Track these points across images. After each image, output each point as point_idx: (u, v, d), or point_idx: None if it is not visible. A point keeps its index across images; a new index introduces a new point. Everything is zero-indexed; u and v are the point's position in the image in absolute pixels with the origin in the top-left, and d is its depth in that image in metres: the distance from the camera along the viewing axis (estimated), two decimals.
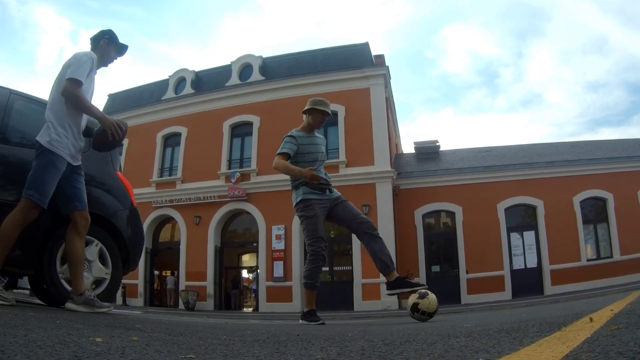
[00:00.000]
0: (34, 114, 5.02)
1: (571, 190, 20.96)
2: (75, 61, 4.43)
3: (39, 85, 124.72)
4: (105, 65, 4.86)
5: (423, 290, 5.36)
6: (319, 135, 6.12)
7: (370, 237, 5.85)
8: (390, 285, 5.76)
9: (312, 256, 5.75)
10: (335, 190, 5.96)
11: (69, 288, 4.55)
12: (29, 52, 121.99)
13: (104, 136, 4.51)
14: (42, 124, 4.49)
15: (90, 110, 4.43)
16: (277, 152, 5.78)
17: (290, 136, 5.86)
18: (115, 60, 4.93)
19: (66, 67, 4.43)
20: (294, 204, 5.85)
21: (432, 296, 5.32)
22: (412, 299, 5.23)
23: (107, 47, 4.79)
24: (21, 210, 4.07)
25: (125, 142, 25.18)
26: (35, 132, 4.45)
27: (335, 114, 21.69)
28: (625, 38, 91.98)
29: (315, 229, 5.70)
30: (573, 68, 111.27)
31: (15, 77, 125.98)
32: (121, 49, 4.91)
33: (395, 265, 5.80)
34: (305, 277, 5.78)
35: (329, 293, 18.37)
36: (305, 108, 6.01)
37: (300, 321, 5.64)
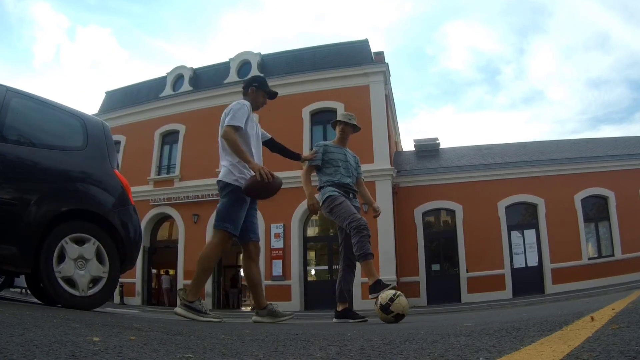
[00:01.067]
0: (30, 111, 5.02)
1: (572, 188, 20.98)
2: (232, 110, 5.06)
3: (36, 82, 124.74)
4: (257, 109, 5.48)
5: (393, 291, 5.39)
6: (350, 151, 6.58)
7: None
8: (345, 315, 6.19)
9: (355, 229, 5.75)
10: (357, 200, 6.36)
11: (66, 287, 4.56)
12: (25, 49, 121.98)
13: (254, 180, 4.94)
14: (39, 122, 4.49)
15: (242, 154, 4.95)
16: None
17: (317, 145, 6.45)
18: (264, 104, 5.58)
19: (225, 115, 5.10)
20: (321, 204, 6.10)
21: (403, 299, 5.35)
22: (385, 299, 5.24)
23: (255, 93, 5.42)
24: (220, 243, 4.99)
25: (123, 139, 25.43)
26: (32, 130, 4.45)
27: (334, 111, 21.68)
28: (628, 34, 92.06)
29: (348, 209, 5.87)
30: (575, 65, 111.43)
31: (12, 74, 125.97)
32: (271, 95, 5.56)
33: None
34: (357, 250, 5.74)
35: (328, 292, 18.33)
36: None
37: (371, 296, 5.68)
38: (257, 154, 5.34)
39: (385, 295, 5.28)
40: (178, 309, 5.07)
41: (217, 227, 4.98)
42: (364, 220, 5.80)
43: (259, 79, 5.53)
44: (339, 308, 6.17)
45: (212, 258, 5.04)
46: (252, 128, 5.19)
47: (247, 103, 5.23)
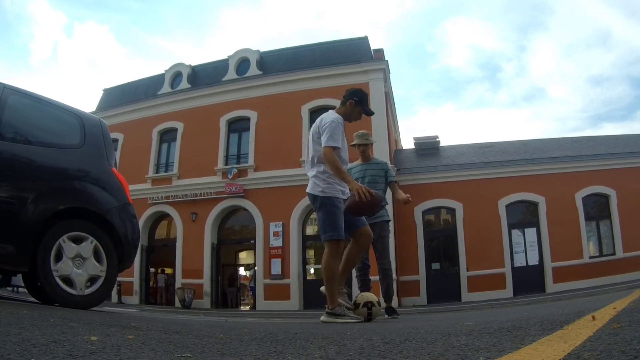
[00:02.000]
0: (27, 109, 5.01)
1: (573, 186, 20.98)
2: (328, 129, 5.15)
3: (34, 79, 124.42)
4: (349, 121, 5.58)
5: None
6: (374, 162, 7.26)
7: (383, 278, 7.00)
8: (386, 311, 6.92)
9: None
10: (379, 215, 6.87)
11: (63, 286, 4.56)
12: (23, 45, 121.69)
13: (354, 200, 5.11)
14: (36, 120, 4.48)
15: (342, 175, 5.12)
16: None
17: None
18: (357, 120, 5.69)
19: (319, 128, 5.28)
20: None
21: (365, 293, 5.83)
22: (369, 297, 5.64)
23: (353, 108, 5.56)
24: (332, 252, 5.10)
25: (121, 137, 25.43)
26: (29, 128, 4.45)
27: (333, 108, 21.54)
28: (629, 31, 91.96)
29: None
30: (576, 62, 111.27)
31: (9, 72, 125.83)
32: (366, 113, 5.67)
33: (391, 299, 7.18)
34: None
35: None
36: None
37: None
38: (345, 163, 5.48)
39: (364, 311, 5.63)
40: (323, 317, 5.17)
41: (324, 240, 5.14)
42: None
43: (361, 95, 5.63)
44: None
45: (334, 267, 5.15)
46: (344, 143, 5.32)
47: (340, 119, 5.36)
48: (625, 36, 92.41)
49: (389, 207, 20.49)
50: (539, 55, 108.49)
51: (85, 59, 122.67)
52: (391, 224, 20.53)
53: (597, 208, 21.56)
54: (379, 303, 5.58)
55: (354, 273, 6.99)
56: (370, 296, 5.57)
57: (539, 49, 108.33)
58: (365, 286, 6.81)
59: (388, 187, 7.19)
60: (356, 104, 5.54)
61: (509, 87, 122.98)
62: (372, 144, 7.28)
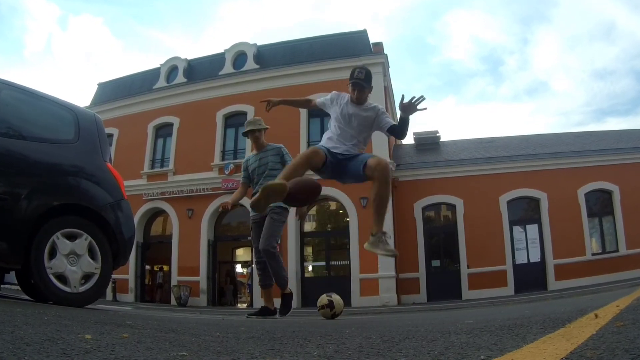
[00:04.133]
0: (21, 103, 5.00)
1: (576, 182, 20.97)
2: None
3: (27, 73, 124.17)
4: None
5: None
6: (269, 147, 7.15)
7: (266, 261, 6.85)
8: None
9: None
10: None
11: (57, 283, 4.56)
12: (16, 38, 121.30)
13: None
14: (30, 115, 4.47)
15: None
16: None
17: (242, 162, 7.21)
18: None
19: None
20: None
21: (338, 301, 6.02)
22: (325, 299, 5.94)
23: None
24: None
25: (116, 132, 25.40)
26: (22, 123, 4.45)
27: None
28: (634, 24, 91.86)
29: (253, 241, 7.00)
30: (580, 55, 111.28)
31: (3, 65, 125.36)
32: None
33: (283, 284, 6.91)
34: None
35: (325, 288, 18.37)
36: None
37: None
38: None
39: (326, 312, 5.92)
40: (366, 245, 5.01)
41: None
42: (257, 257, 6.87)
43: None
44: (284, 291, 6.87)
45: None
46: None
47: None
48: (630, 29, 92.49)
49: None
50: (542, 48, 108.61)
51: (80, 52, 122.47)
52: (390, 220, 20.31)
53: (600, 204, 21.56)
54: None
55: (255, 267, 7.05)
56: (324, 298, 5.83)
57: (542, 41, 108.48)
58: (267, 279, 6.87)
59: None
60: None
61: (511, 81, 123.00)
62: (265, 129, 7.19)
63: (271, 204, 6.62)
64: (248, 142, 22.64)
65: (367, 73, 5.09)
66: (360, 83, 4.94)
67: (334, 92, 5.21)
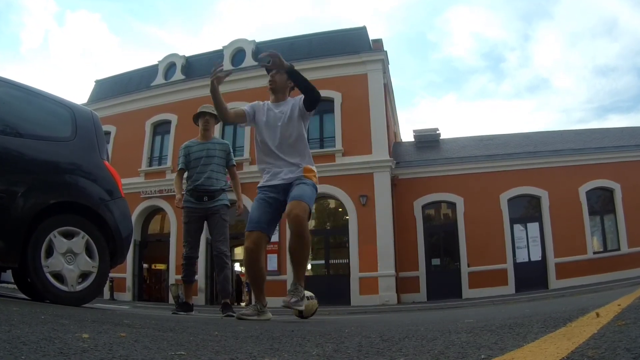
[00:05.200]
0: (17, 101, 4.99)
1: (577, 180, 20.98)
2: None
3: (24, 70, 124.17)
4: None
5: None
6: (215, 141, 7.23)
7: (219, 266, 6.87)
8: (222, 308, 6.72)
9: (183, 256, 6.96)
10: (220, 198, 6.94)
11: (54, 282, 4.55)
12: (13, 34, 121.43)
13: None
14: (26, 112, 4.46)
15: None
16: None
17: (180, 148, 7.16)
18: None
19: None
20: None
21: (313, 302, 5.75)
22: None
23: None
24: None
25: (113, 130, 25.39)
26: (18, 120, 4.44)
27: (331, 100, 21.75)
28: (636, 21, 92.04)
29: (185, 234, 6.90)
30: (581, 52, 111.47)
31: None
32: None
33: (230, 294, 6.97)
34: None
35: (324, 287, 18.41)
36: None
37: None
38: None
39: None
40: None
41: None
42: (187, 251, 6.85)
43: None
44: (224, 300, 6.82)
45: None
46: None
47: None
48: (632, 26, 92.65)
49: (387, 201, 20.60)
50: (543, 44, 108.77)
51: (77, 49, 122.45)
52: (389, 218, 20.41)
53: (602, 202, 21.57)
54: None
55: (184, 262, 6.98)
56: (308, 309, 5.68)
57: (544, 38, 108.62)
58: (190, 277, 6.97)
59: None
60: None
61: (512, 78, 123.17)
62: (217, 120, 7.03)
63: (220, 202, 6.84)
64: (246, 139, 22.72)
65: (275, 55, 5.02)
66: (268, 66, 5.08)
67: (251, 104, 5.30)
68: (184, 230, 6.89)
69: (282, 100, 5.14)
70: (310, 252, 22.75)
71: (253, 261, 4.87)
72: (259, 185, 4.93)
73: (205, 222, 6.93)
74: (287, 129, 4.89)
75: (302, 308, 4.69)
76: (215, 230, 6.81)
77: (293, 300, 4.56)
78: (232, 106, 20.01)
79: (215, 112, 6.36)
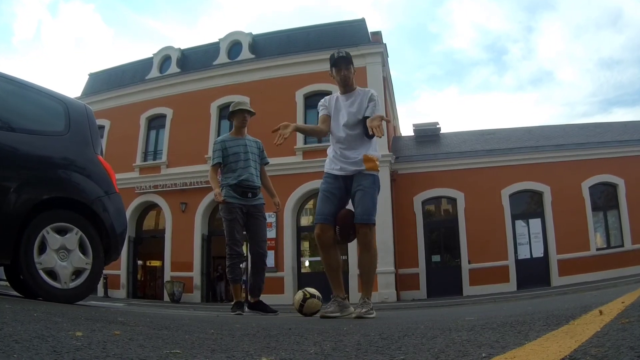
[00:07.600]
0: (9, 94, 4.98)
1: (580, 175, 20.97)
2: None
3: (16, 62, 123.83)
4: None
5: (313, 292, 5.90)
6: (250, 137, 7.23)
7: (258, 266, 6.96)
8: (251, 306, 6.89)
9: (227, 255, 6.83)
10: (260, 196, 6.94)
11: (47, 279, 4.55)
12: (4, 25, 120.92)
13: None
14: (18, 106, 4.45)
15: None
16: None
17: (215, 143, 7.11)
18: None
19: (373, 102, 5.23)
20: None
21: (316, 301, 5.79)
22: (297, 303, 5.81)
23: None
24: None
25: (107, 124, 25.36)
26: (10, 114, 4.42)
27: (328, 94, 21.59)
28: None
29: (230, 230, 6.70)
30: (586, 44, 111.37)
31: None
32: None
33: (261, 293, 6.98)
34: (227, 272, 6.93)
35: (323, 284, 18.38)
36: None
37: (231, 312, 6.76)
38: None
39: (297, 299, 5.79)
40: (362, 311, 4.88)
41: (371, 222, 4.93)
42: (236, 249, 6.74)
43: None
44: (253, 300, 6.91)
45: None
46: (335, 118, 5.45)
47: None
48: (637, 17, 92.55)
49: (386, 196, 20.57)
50: (547, 36, 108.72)
51: (71, 40, 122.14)
52: (388, 214, 20.50)
53: (605, 198, 21.59)
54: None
55: (227, 262, 6.90)
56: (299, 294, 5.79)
57: (547, 30, 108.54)
58: (240, 276, 6.99)
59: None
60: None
61: (515, 70, 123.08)
62: (251, 113, 7.30)
63: (260, 200, 6.88)
64: None
65: (347, 53, 5.30)
66: (342, 60, 5.25)
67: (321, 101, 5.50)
68: (227, 227, 6.71)
69: (351, 92, 5.42)
70: (307, 248, 22.80)
71: (324, 248, 5.07)
72: (325, 169, 5.19)
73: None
74: (353, 120, 5.15)
75: (373, 315, 4.73)
76: (259, 230, 6.88)
77: (364, 310, 4.70)
78: (228, 100, 19.94)
79: (249, 109, 7.07)
